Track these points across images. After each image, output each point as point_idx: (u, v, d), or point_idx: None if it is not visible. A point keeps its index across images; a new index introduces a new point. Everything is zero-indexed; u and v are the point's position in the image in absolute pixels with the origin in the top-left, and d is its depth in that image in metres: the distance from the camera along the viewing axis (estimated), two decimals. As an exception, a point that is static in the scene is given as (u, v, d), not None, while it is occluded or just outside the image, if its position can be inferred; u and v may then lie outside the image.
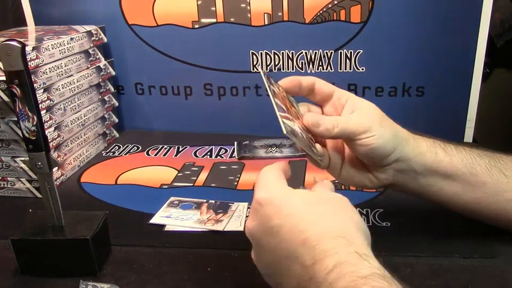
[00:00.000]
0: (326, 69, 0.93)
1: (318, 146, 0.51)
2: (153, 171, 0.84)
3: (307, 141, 0.49)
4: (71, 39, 0.82)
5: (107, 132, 0.97)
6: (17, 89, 0.48)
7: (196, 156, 0.90)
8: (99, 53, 0.93)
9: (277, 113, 0.46)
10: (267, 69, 0.50)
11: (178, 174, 0.82)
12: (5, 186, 0.75)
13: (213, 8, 0.92)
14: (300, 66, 0.94)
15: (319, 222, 0.40)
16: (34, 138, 0.50)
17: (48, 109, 0.76)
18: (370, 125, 0.50)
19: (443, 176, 0.53)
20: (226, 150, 0.92)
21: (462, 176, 0.53)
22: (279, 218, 0.40)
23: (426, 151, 0.53)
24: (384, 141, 0.50)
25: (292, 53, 0.93)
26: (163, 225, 0.65)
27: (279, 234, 0.40)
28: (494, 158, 0.54)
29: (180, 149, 0.93)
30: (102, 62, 0.94)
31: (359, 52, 0.91)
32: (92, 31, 0.90)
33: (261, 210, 0.42)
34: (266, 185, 0.43)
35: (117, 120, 1.00)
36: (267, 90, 0.49)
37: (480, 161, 0.53)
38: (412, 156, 0.52)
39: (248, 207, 0.69)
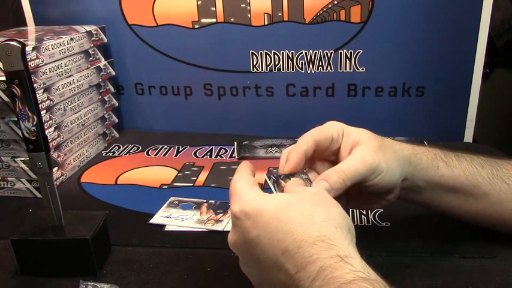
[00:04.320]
0: (326, 70, 0.93)
1: None
2: (153, 171, 0.84)
3: None
4: (71, 39, 0.82)
5: (107, 132, 0.97)
6: (17, 89, 0.48)
7: (196, 156, 0.90)
8: (99, 53, 0.93)
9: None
10: (274, 176, 0.48)
11: (178, 174, 0.82)
12: (5, 186, 0.75)
13: (213, 8, 0.92)
14: (300, 66, 0.94)
15: (296, 229, 0.39)
16: (34, 138, 0.50)
17: (48, 109, 0.77)
18: (376, 163, 0.48)
19: (445, 189, 0.53)
20: (226, 151, 0.92)
21: (465, 188, 0.53)
22: (256, 229, 0.40)
23: (428, 166, 0.52)
24: (391, 174, 0.49)
25: (292, 53, 0.93)
26: (163, 225, 0.65)
27: (259, 246, 0.40)
28: (496, 166, 0.54)
29: (180, 149, 0.93)
30: (102, 62, 0.94)
31: (359, 52, 0.91)
32: (92, 31, 0.90)
33: (238, 224, 0.42)
34: (239, 197, 0.43)
35: (117, 120, 1.00)
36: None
37: (482, 171, 0.53)
38: (415, 174, 0.52)
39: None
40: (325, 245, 0.37)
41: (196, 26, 0.94)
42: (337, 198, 0.48)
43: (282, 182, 0.47)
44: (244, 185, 0.44)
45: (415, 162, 0.52)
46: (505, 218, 0.53)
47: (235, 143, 0.94)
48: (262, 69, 0.95)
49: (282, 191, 0.46)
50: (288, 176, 0.48)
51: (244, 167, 0.47)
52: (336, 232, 0.38)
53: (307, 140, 0.50)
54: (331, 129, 0.51)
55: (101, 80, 0.92)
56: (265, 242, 0.39)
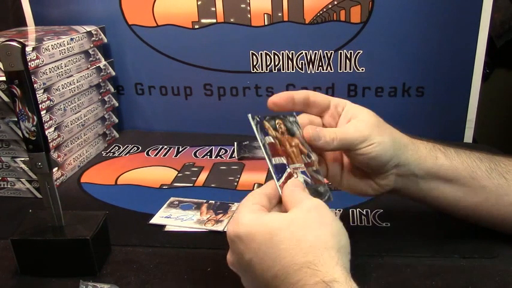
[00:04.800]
0: (326, 70, 0.93)
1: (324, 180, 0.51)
2: (153, 171, 0.84)
3: (317, 183, 0.49)
4: (71, 39, 0.83)
5: (107, 132, 0.97)
6: (17, 89, 0.48)
7: (196, 157, 0.90)
8: (99, 54, 0.93)
9: (276, 184, 0.46)
10: (258, 117, 0.49)
11: (178, 175, 0.82)
12: (5, 186, 0.75)
13: (213, 9, 0.92)
14: (300, 66, 0.94)
15: (284, 255, 0.39)
16: (34, 138, 0.50)
17: (48, 109, 0.77)
18: (369, 134, 0.49)
19: (443, 180, 0.53)
20: (226, 151, 0.92)
21: (463, 180, 0.52)
22: (249, 253, 0.41)
23: (426, 155, 0.52)
24: (382, 148, 0.49)
25: (292, 53, 0.93)
26: (163, 226, 0.65)
27: (253, 268, 0.41)
28: (494, 161, 0.54)
29: (180, 150, 0.93)
30: (102, 63, 0.94)
31: (359, 52, 0.91)
32: (92, 31, 0.90)
33: (233, 246, 0.43)
34: (235, 218, 0.44)
35: (117, 121, 1.00)
36: (260, 146, 0.48)
37: (480, 164, 0.53)
38: (412, 161, 0.51)
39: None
40: (310, 271, 0.38)
41: (196, 26, 0.94)
42: (332, 169, 0.53)
43: (266, 123, 0.50)
44: (244, 206, 0.45)
45: (412, 149, 0.52)
46: (503, 213, 0.53)
47: (235, 143, 0.94)
48: (262, 70, 0.95)
49: (266, 133, 0.49)
50: (274, 118, 0.50)
51: (254, 191, 0.47)
52: (322, 256, 0.39)
53: (300, 91, 0.52)
54: (332, 97, 0.53)
55: (101, 80, 0.92)
56: (257, 266, 0.41)
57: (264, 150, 0.48)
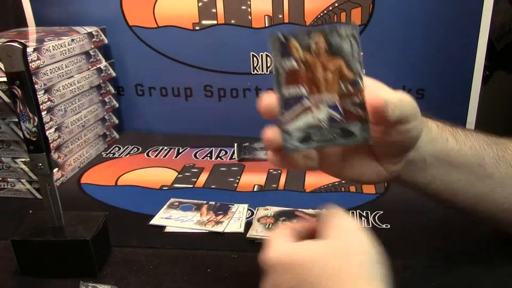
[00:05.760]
0: (326, 71, 0.93)
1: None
2: (153, 172, 0.84)
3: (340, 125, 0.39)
4: (72, 40, 0.83)
5: (107, 133, 0.97)
6: (18, 90, 0.48)
7: (197, 158, 0.90)
8: (99, 54, 0.93)
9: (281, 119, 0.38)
10: (284, 35, 0.38)
11: (179, 176, 0.82)
12: (5, 187, 0.75)
13: (214, 10, 0.92)
14: (300, 68, 0.94)
15: (325, 285, 0.37)
16: (35, 139, 0.50)
17: (49, 110, 0.77)
18: (417, 109, 0.43)
19: (451, 166, 0.47)
20: (226, 152, 0.92)
21: (470, 167, 0.48)
22: (285, 282, 0.39)
23: (437, 137, 0.47)
24: (420, 129, 0.44)
25: (293, 55, 0.93)
26: (164, 227, 0.65)
27: None
28: (501, 146, 0.50)
29: (180, 151, 0.93)
30: (103, 63, 0.94)
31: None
32: (93, 32, 0.90)
33: (272, 274, 0.40)
34: (274, 247, 0.41)
35: (117, 122, 1.00)
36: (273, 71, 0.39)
37: (489, 150, 0.49)
38: (424, 144, 0.45)
39: (248, 209, 0.69)
40: None
41: (197, 28, 0.94)
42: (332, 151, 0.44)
43: (294, 42, 0.38)
44: (280, 234, 0.42)
45: (426, 129, 0.46)
46: (507, 207, 0.49)
47: (236, 144, 0.94)
48: (262, 71, 0.95)
49: (288, 54, 0.38)
50: (311, 33, 0.39)
51: (285, 229, 0.44)
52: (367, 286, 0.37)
53: None
54: None
55: (101, 81, 0.93)
56: None
57: (275, 78, 0.38)
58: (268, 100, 0.40)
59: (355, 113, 0.39)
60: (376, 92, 0.41)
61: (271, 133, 0.40)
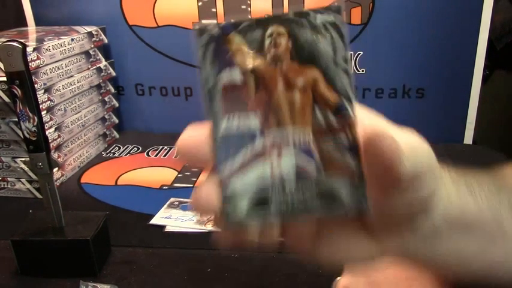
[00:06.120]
0: (326, 71, 0.93)
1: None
2: (153, 172, 0.84)
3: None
4: (72, 40, 0.83)
5: (107, 133, 0.97)
6: (18, 89, 0.48)
7: (197, 157, 0.90)
8: (99, 54, 0.93)
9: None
10: (218, 26, 0.24)
11: (179, 175, 0.82)
12: (5, 186, 0.75)
13: (214, 9, 0.92)
14: (300, 67, 0.94)
15: None
16: (35, 138, 0.50)
17: (49, 110, 0.77)
18: (433, 160, 0.29)
19: (463, 231, 0.31)
20: (226, 152, 0.92)
21: (486, 230, 0.32)
22: None
23: (451, 191, 0.30)
24: (436, 184, 0.29)
25: (293, 54, 0.93)
26: (164, 226, 0.65)
27: None
28: None
29: (180, 150, 0.93)
30: (103, 63, 0.94)
31: (359, 54, 0.91)
32: (93, 32, 0.90)
33: None
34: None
35: (117, 121, 1.00)
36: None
37: (502, 197, 0.33)
38: (437, 205, 0.29)
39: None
40: None
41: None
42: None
43: (236, 38, 0.25)
44: None
45: (441, 183, 0.29)
46: None
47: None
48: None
49: (228, 61, 0.24)
50: (265, 22, 0.26)
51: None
52: None
53: None
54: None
55: (101, 80, 0.92)
56: None
57: (205, 99, 0.24)
58: (190, 138, 0.26)
59: (340, 162, 0.24)
60: (376, 126, 0.25)
61: (204, 196, 0.24)
